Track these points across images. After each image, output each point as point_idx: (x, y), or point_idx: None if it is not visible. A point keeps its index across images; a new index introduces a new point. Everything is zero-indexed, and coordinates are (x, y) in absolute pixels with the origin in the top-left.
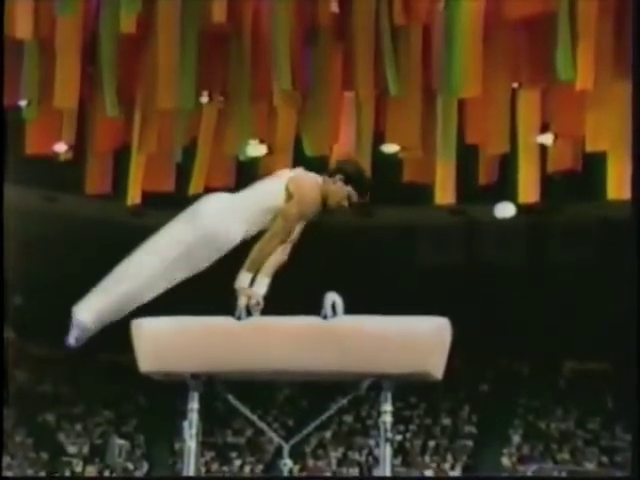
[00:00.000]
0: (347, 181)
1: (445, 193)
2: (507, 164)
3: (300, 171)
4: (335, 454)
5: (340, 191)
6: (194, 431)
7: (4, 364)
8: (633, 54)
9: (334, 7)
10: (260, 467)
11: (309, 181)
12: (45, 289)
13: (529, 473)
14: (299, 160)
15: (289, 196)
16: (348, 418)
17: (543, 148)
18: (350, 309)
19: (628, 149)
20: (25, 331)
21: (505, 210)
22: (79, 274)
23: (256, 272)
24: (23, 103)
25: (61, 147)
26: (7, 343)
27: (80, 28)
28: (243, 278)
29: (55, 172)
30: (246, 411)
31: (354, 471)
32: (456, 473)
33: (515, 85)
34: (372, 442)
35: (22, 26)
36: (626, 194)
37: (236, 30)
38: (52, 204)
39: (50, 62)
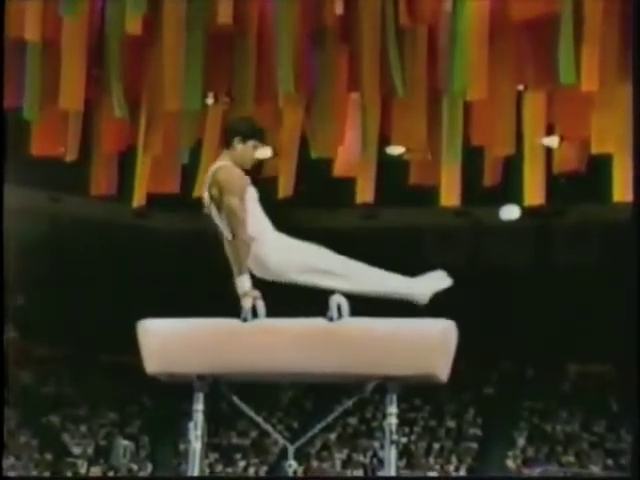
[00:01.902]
0: (244, 138)
1: (450, 195)
2: (512, 166)
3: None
4: (340, 456)
5: (245, 151)
6: (199, 432)
7: (4, 364)
8: (633, 56)
9: (339, 9)
10: (264, 469)
11: (222, 172)
12: (49, 290)
13: (534, 475)
14: (304, 162)
15: (219, 200)
16: (353, 420)
17: (549, 150)
18: (355, 311)
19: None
20: (29, 332)
21: (510, 212)
22: (83, 275)
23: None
24: (25, 104)
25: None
26: (11, 344)
27: (85, 29)
28: (243, 281)
29: (60, 173)
30: (251, 413)
31: (358, 473)
32: (461, 475)
33: (521, 87)
34: (376, 444)
35: (27, 26)
36: (632, 197)
37: (242, 31)
38: (57, 205)
39: (55, 63)
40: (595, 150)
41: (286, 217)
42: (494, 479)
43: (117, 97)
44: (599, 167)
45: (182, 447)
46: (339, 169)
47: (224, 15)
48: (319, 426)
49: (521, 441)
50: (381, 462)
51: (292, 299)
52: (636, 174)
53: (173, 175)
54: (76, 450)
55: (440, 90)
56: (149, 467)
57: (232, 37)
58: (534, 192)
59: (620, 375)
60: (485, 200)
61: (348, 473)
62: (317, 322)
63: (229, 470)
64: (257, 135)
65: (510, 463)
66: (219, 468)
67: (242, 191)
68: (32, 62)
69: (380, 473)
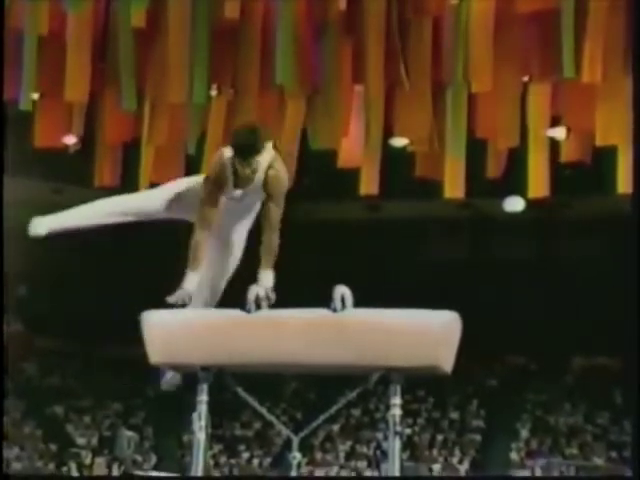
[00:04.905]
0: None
1: (454, 187)
2: (517, 158)
3: None
4: (343, 447)
5: (217, 159)
6: (203, 423)
7: (7, 356)
8: (634, 48)
9: (342, 4)
10: (268, 460)
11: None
12: (53, 282)
13: (537, 468)
14: (307, 153)
15: None
16: (356, 411)
17: (553, 142)
18: (359, 302)
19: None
20: (32, 323)
21: (514, 204)
22: (86, 268)
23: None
24: (21, 95)
25: (70, 139)
26: (15, 335)
27: (90, 22)
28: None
29: (63, 165)
30: (255, 404)
31: (362, 464)
32: (464, 467)
33: (526, 79)
34: (380, 435)
35: (29, 19)
36: (632, 189)
37: (246, 23)
38: (59, 197)
39: (57, 55)
40: (600, 142)
41: (289, 209)
42: (490, 479)
43: (127, 89)
44: (603, 159)
45: (186, 438)
46: (343, 161)
47: (231, 10)
48: (323, 417)
49: (524, 433)
50: (385, 454)
51: (296, 290)
52: (636, 166)
53: (177, 166)
54: (80, 441)
55: (444, 82)
56: (153, 458)
57: (237, 29)
58: (538, 184)
59: (623, 368)
60: (489, 192)
61: (352, 464)
62: (321, 313)
63: (233, 461)
64: (240, 150)
65: (514, 455)
66: (223, 459)
67: (218, 180)
68: (29, 53)
69: (384, 465)
